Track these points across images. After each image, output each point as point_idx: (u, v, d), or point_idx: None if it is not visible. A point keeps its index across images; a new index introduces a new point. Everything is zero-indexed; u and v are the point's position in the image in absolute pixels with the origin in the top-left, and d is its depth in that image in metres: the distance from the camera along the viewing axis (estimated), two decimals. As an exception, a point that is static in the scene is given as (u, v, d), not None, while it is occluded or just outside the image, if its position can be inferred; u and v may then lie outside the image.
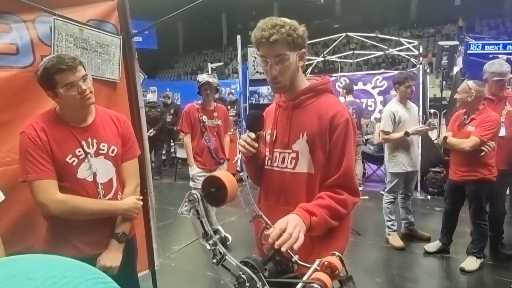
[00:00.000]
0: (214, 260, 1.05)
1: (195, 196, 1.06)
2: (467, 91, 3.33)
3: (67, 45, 2.00)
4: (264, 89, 7.26)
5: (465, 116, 3.46)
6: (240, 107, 8.01)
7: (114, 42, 2.27)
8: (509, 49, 5.96)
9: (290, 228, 1.20)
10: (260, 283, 0.98)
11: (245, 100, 7.70)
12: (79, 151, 1.66)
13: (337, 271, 1.06)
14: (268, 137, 1.62)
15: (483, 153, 3.26)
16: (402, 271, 3.58)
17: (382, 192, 4.71)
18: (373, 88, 7.69)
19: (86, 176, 1.68)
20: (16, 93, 1.82)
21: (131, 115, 2.38)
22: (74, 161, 1.65)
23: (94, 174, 1.70)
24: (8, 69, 1.80)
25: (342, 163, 1.45)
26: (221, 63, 11.20)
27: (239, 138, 7.86)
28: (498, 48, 6.03)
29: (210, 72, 9.21)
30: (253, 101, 7.41)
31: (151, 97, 7.99)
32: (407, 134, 3.81)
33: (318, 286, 0.93)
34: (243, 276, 0.99)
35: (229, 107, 8.99)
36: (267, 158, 1.61)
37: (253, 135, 1.45)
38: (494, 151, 3.30)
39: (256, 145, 1.46)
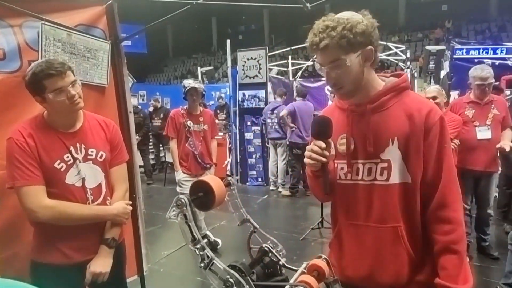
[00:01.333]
0: (202, 264, 1.05)
1: (183, 200, 1.07)
2: (442, 94, 3.52)
3: (55, 50, 1.99)
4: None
5: None
6: (230, 111, 8.02)
7: (102, 47, 2.26)
8: (494, 54, 6.09)
9: None
10: (248, 286, 0.99)
11: (235, 104, 7.69)
12: (67, 157, 1.65)
13: (324, 274, 1.08)
14: (340, 147, 1.41)
15: None
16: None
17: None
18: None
19: (74, 181, 1.67)
20: (3, 98, 1.81)
21: (119, 120, 2.38)
22: (62, 166, 1.64)
23: (83, 180, 1.69)
24: (-6, 74, 1.79)
25: (441, 169, 1.29)
26: (211, 67, 11.21)
27: (229, 143, 7.86)
28: (487, 52, 6.15)
29: (200, 76, 9.22)
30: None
31: (133, 101, 7.89)
32: None
33: (305, 289, 0.94)
34: (230, 280, 1.00)
35: (218, 111, 8.99)
36: (344, 171, 1.40)
37: (323, 144, 1.27)
38: (456, 151, 3.42)
39: (327, 154, 1.28)
